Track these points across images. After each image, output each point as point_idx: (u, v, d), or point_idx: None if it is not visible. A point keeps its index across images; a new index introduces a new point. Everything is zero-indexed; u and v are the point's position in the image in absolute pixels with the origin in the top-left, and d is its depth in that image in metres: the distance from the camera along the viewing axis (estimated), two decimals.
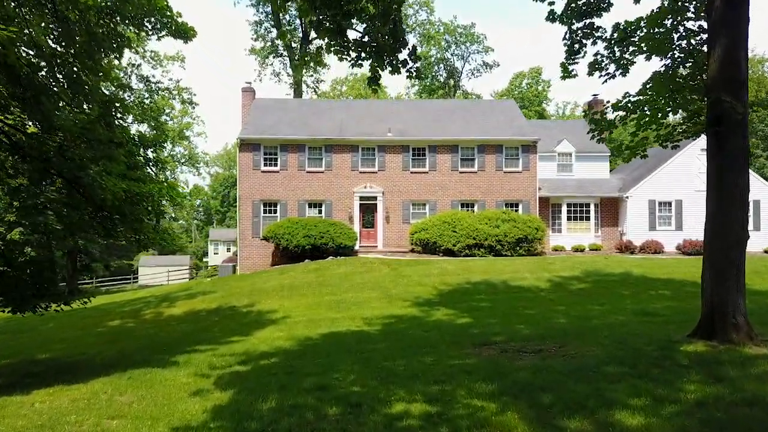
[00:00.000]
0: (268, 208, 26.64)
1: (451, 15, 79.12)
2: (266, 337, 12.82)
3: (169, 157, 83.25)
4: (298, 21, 39.99)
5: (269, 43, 40.59)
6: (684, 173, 26.52)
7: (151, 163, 13.49)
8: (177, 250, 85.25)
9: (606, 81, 9.23)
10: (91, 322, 18.77)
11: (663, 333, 10.59)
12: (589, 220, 27.29)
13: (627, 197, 26.57)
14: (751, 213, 12.70)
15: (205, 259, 72.02)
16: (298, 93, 40.46)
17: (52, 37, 10.37)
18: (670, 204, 26.55)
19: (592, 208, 27.26)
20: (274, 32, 39.64)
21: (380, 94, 63.50)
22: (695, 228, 25.89)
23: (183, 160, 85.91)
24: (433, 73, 62.54)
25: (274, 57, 41.29)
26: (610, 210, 27.79)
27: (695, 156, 26.53)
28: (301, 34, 40.52)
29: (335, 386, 7.57)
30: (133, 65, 36.38)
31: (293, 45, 40.27)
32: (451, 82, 63.60)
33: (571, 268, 20.86)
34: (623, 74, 9.30)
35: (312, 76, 42.23)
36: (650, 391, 6.52)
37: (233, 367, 9.63)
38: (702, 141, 26.55)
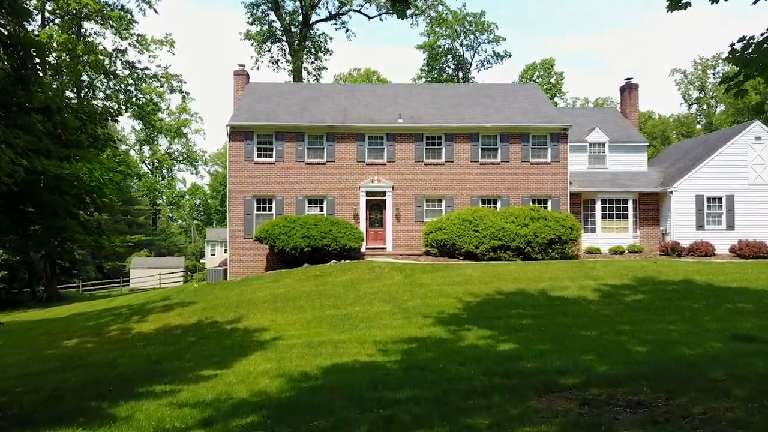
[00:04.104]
0: (262, 205, 23.44)
1: (459, 3, 75.52)
2: (248, 371, 9.66)
3: (166, 155, 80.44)
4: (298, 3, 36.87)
5: (266, 26, 37.35)
6: (736, 165, 23.25)
7: (101, 142, 10.30)
8: (175, 251, 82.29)
9: (756, 1, 6.06)
10: (47, 341, 15.66)
11: None
12: (626, 218, 24.02)
13: (671, 192, 23.30)
14: None
15: (202, 261, 69.17)
16: (297, 81, 37.27)
17: None
18: (720, 200, 23.28)
19: (630, 204, 24.00)
20: (272, 14, 36.41)
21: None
22: (749, 227, 22.71)
23: (181, 158, 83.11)
24: (441, 65, 59.35)
25: (272, 42, 38.08)
26: (650, 207, 24.53)
27: (748, 145, 23.28)
28: (301, 18, 37.38)
29: None
30: (119, 50, 33.31)
31: (292, 29, 37.10)
32: (460, 74, 60.38)
33: (618, 275, 17.66)
34: None
35: (313, 63, 39.03)
36: None
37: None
38: (757, 128, 23.35)
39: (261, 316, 14.76)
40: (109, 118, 10.55)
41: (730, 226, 23.04)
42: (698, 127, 66.36)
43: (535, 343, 10.68)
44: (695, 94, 68.73)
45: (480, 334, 11.56)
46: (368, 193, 23.47)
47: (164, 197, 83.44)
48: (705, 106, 68.47)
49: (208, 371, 9.97)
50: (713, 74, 66.70)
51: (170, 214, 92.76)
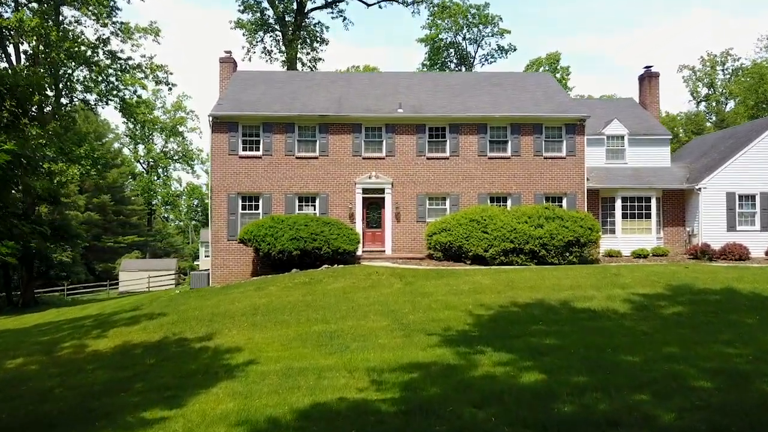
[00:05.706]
0: (247, 203, 21.28)
1: None
2: (203, 413, 7.52)
3: (161, 153, 78.17)
4: None
5: (258, 15, 35.17)
6: None
7: (22, 123, 8.18)
8: (172, 252, 79.98)
9: None
10: None
11: None
12: (649, 217, 21.81)
13: (699, 189, 21.12)
14: None
15: (196, 262, 66.99)
16: None
17: None
18: (753, 198, 21.10)
19: (653, 202, 21.80)
20: (264, 1, 34.25)
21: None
22: None
23: (176, 157, 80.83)
24: (443, 59, 57.11)
25: (264, 32, 35.90)
26: (675, 205, 22.35)
27: None
28: (295, 6, 35.23)
29: None
30: (101, 40, 31.14)
31: (286, 18, 34.94)
32: (463, 69, 58.15)
33: (648, 282, 15.49)
34: None
35: (308, 54, 36.86)
36: None
37: None
38: None
39: (236, 333, 12.61)
40: (34, 92, 8.39)
41: (765, 227, 20.87)
42: (708, 124, 64.13)
43: (567, 372, 8.53)
44: (704, 90, 66.49)
45: (496, 359, 9.42)
46: (365, 191, 21.31)
47: (159, 197, 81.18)
48: (714, 103, 66.24)
49: (154, 412, 7.83)
50: (722, 70, 64.50)
51: (165, 215, 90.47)
